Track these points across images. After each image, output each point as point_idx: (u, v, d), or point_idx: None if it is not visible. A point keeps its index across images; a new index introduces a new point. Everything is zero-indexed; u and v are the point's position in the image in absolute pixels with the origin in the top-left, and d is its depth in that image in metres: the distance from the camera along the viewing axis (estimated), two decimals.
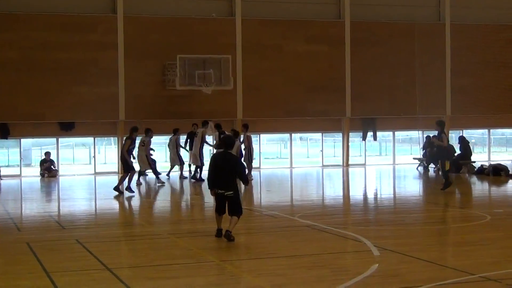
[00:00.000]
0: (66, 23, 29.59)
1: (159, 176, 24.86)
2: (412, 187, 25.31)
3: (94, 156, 31.47)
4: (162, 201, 21.03)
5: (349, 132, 33.56)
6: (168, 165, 27.99)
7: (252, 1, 31.94)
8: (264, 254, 10.81)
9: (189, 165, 27.08)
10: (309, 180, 27.81)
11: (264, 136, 32.42)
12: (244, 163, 23.86)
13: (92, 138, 31.57)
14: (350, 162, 33.65)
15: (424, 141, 32.32)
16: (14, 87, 29.01)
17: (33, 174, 30.30)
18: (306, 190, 24.29)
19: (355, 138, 35.02)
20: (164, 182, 24.72)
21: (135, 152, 22.67)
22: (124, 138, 20.70)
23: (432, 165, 30.67)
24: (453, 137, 33.29)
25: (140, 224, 15.80)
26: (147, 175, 26.47)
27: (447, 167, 19.89)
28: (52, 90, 29.33)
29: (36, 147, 33.88)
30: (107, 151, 35.06)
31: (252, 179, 25.09)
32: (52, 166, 29.72)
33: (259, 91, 31.67)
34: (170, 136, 27.67)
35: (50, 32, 29.37)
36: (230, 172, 12.26)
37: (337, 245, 12.30)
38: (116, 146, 31.44)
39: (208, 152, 28.10)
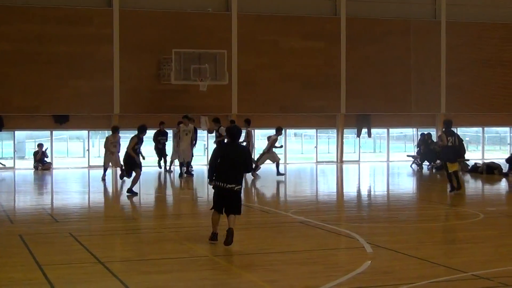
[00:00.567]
0: (62, 16, 29.51)
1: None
2: (405, 184, 25.35)
3: (88, 150, 31.43)
4: (156, 195, 21.02)
5: (343, 129, 33.59)
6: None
7: None
8: (257, 250, 10.82)
9: (171, 161, 27.52)
10: (303, 176, 27.82)
11: (259, 132, 32.38)
12: None
13: (86, 132, 31.54)
14: (344, 159, 33.67)
15: (419, 138, 32.37)
16: (9, 80, 28.94)
17: (26, 166, 30.26)
18: (299, 186, 24.30)
19: (349, 135, 35.05)
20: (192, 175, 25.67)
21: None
22: (131, 136, 19.65)
23: (426, 163, 30.73)
24: None
25: (133, 218, 15.78)
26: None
27: (451, 168, 18.80)
28: (47, 83, 29.27)
29: (30, 140, 33.83)
30: (101, 145, 34.98)
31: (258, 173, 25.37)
32: (45, 158, 29.71)
33: (254, 87, 31.66)
34: (174, 129, 27.61)
35: (45, 25, 29.29)
36: (241, 165, 11.28)
37: (330, 241, 12.30)
38: None
39: (202, 147, 28.13)
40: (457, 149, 18.94)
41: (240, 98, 31.58)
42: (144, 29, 30.33)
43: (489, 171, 26.11)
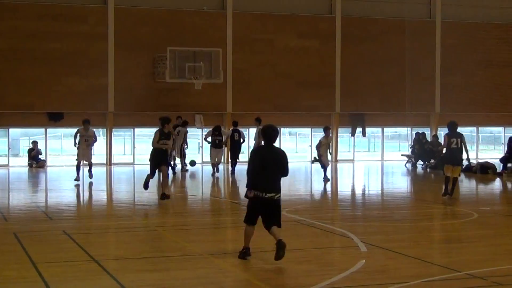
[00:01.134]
0: (57, 14, 29.48)
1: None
2: (400, 183, 25.38)
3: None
4: (150, 193, 20.99)
5: (338, 128, 33.61)
6: None
7: None
8: (252, 248, 10.78)
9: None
10: (297, 175, 27.81)
11: (253, 130, 32.34)
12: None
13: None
14: (338, 158, 33.71)
15: (413, 138, 32.41)
16: (3, 77, 28.92)
17: (21, 164, 30.20)
18: (294, 185, 24.29)
19: (344, 134, 35.06)
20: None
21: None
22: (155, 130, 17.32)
23: (420, 162, 30.77)
24: (441, 135, 33.37)
25: (127, 216, 15.78)
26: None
27: (455, 172, 17.82)
28: (42, 80, 29.24)
29: (25, 137, 33.75)
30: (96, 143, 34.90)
31: None
32: (39, 155, 29.69)
33: (249, 85, 31.67)
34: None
35: (40, 22, 29.25)
36: (279, 171, 9.97)
37: (324, 240, 12.31)
38: (105, 137, 31.36)
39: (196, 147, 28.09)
40: (462, 151, 18.04)
41: (235, 96, 31.59)
42: (139, 27, 30.31)
43: (483, 171, 26.15)
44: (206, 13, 31.35)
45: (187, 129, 26.95)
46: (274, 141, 10.03)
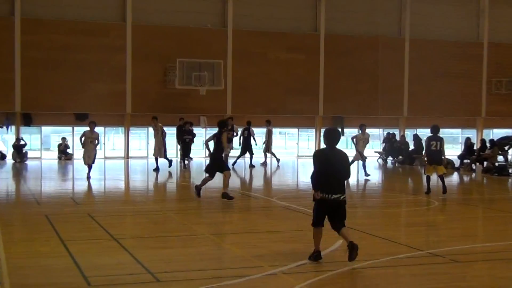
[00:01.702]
0: (84, 29, 29.42)
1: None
2: (372, 176, 25.38)
3: (104, 143, 31.34)
4: (161, 183, 21.00)
5: (321, 128, 33.61)
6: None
7: (242, 15, 31.86)
8: (247, 230, 10.82)
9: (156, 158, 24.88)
10: (286, 169, 27.81)
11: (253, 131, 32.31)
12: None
13: (102, 128, 31.38)
14: None
15: (384, 136, 32.44)
16: (38, 83, 28.83)
17: (51, 157, 30.15)
18: (283, 176, 24.31)
19: None
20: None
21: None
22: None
23: (390, 158, 30.80)
24: (408, 135, 33.43)
25: (142, 201, 15.78)
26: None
27: (440, 171, 16.97)
28: (71, 86, 29.19)
29: (55, 134, 33.68)
30: (115, 139, 34.92)
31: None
32: (67, 149, 29.74)
33: (246, 91, 31.65)
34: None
35: (70, 36, 29.19)
36: (343, 172, 8.85)
37: (308, 223, 12.26)
38: (123, 135, 31.35)
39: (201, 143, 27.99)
40: (440, 153, 17.42)
41: (234, 101, 31.58)
42: (153, 40, 30.26)
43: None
44: (210, 30, 31.31)
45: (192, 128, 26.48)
46: (337, 144, 8.90)
